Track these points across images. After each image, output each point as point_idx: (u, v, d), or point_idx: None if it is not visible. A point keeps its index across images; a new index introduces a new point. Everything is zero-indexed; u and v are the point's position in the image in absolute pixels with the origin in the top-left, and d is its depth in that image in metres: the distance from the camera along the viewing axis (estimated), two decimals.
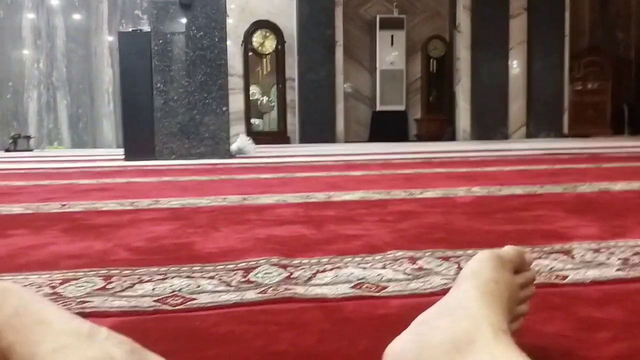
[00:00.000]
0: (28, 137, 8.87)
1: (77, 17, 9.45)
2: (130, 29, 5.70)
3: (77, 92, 9.44)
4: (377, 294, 0.87)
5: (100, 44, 9.49)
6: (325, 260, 1.08)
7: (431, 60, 10.88)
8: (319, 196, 2.13)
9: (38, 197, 2.27)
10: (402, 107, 10.49)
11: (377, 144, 8.54)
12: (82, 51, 9.45)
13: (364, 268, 1.01)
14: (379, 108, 10.42)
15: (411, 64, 10.67)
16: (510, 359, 0.45)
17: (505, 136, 10.25)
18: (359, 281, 0.93)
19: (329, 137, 9.74)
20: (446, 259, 1.07)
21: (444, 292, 0.70)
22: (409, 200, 1.99)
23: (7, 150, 8.49)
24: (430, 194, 2.15)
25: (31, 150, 8.65)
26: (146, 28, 5.39)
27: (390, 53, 10.35)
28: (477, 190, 2.22)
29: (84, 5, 9.43)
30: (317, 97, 9.72)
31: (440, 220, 1.55)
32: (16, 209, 1.92)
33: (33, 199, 2.23)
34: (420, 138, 10.59)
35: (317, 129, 9.71)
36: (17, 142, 8.61)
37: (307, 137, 9.71)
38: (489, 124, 10.15)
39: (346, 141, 9.98)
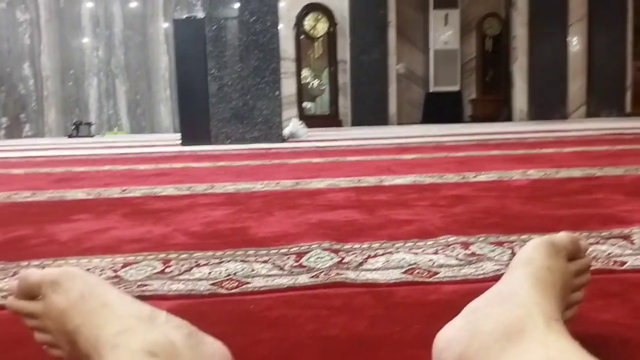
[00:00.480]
0: (89, 124, 9.18)
1: (133, 4, 9.66)
2: (184, 16, 5.79)
3: (134, 78, 9.69)
4: (429, 280, 0.87)
5: (156, 30, 9.69)
6: (376, 245, 1.08)
7: (486, 38, 10.61)
8: (371, 180, 2.13)
9: (99, 183, 2.36)
10: (456, 88, 10.30)
11: (431, 126, 8.43)
12: (139, 38, 9.68)
13: (416, 253, 1.02)
14: (432, 89, 10.27)
15: (466, 43, 10.44)
16: (562, 347, 0.45)
17: (564, 116, 9.93)
18: (410, 266, 0.94)
19: (381, 119, 9.68)
20: (499, 244, 1.06)
21: (496, 278, 0.69)
22: (462, 184, 1.96)
23: (70, 136, 8.82)
24: (484, 177, 2.12)
25: (92, 136, 8.95)
26: (200, 14, 5.46)
27: (444, 32, 10.15)
28: (533, 173, 2.17)
29: None
30: (370, 79, 9.66)
31: (494, 204, 1.53)
32: (79, 194, 2.00)
33: (95, 184, 2.32)
34: (475, 119, 10.38)
35: (369, 111, 9.66)
36: (79, 129, 8.92)
37: (359, 119, 9.68)
38: (547, 103, 9.86)
39: (399, 123, 9.90)
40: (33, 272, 0.57)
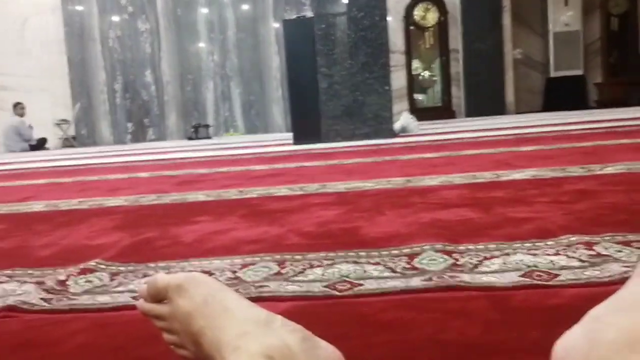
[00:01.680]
0: (207, 126, 9.63)
1: (245, 7, 10.01)
2: (294, 16, 5.92)
3: (248, 80, 10.04)
4: (549, 283, 0.83)
5: (267, 32, 9.98)
6: (492, 246, 1.05)
7: (612, 18, 9.90)
8: (487, 176, 2.06)
9: (218, 185, 2.47)
10: (579, 72, 9.71)
11: (552, 114, 8.01)
12: (251, 40, 10.01)
13: (535, 254, 0.97)
14: (553, 74, 9.75)
15: (589, 24, 9.80)
16: None
17: None
18: (529, 269, 0.90)
19: (497, 108, 9.34)
20: (627, 244, 0.99)
21: (623, 281, 0.65)
22: (587, 178, 1.85)
23: (190, 139, 9.31)
24: (611, 169, 1.99)
25: (210, 137, 9.39)
26: (309, 13, 5.56)
27: (565, 13, 9.60)
28: None
29: None
30: (484, 68, 9.35)
31: (622, 199, 1.43)
32: (200, 196, 2.11)
33: (214, 186, 2.43)
34: (601, 104, 9.73)
35: (485, 101, 9.35)
36: (198, 131, 9.39)
37: (473, 110, 9.40)
38: None
39: (517, 112, 9.50)
40: (161, 276, 0.62)
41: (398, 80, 9.23)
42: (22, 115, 9.23)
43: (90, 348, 0.73)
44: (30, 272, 1.12)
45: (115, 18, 10.06)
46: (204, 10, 10.06)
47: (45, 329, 0.80)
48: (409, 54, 9.70)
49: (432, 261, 0.98)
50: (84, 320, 0.82)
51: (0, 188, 3.07)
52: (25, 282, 1.04)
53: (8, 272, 1.12)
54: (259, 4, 9.93)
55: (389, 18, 5.51)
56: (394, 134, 5.39)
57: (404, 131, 5.85)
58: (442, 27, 9.62)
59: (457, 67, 9.64)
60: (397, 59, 9.37)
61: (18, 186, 3.12)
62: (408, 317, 0.74)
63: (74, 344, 0.74)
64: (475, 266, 0.94)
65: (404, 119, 6.04)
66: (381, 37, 5.24)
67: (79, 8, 10.03)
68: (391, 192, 1.85)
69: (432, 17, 9.64)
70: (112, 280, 1.02)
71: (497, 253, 1.00)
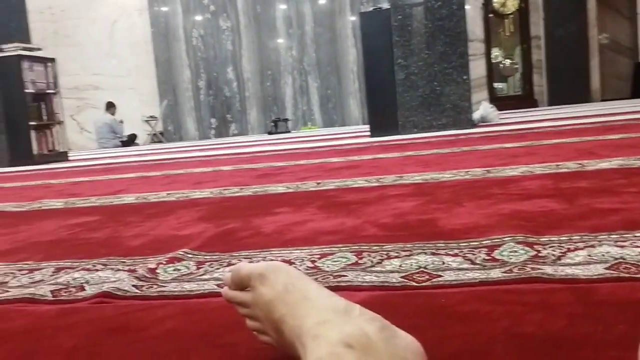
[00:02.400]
0: (286, 120, 9.78)
1: (322, 1, 10.05)
2: (370, 8, 5.90)
3: (325, 74, 10.10)
4: (637, 276, 0.80)
5: (344, 25, 9.99)
6: (576, 237, 1.02)
7: None
8: (570, 165, 1.99)
9: (297, 177, 2.52)
10: None
11: None
12: (328, 34, 10.06)
13: (622, 246, 0.94)
14: None
15: None
16: None
17: None
18: (615, 261, 0.87)
19: (582, 96, 8.94)
20: None
21: None
22: None
23: (270, 133, 9.48)
24: None
25: (289, 131, 9.52)
26: (385, 5, 5.53)
27: None
28: None
29: None
30: (567, 54, 8.96)
31: None
32: (280, 188, 2.16)
33: (293, 178, 2.47)
34: None
35: (568, 88, 8.97)
36: (277, 125, 9.55)
37: (556, 98, 9.04)
38: None
39: (602, 99, 9.06)
40: (243, 265, 0.64)
41: (477, 69, 9.01)
42: (113, 113, 9.73)
43: (178, 333, 0.76)
44: (123, 260, 1.19)
45: (198, 17, 10.37)
46: (282, 7, 10.19)
47: (137, 314, 0.85)
48: (488, 42, 9.44)
49: (513, 253, 0.96)
50: (172, 307, 0.87)
51: (94, 182, 3.26)
52: (118, 270, 1.11)
53: (103, 260, 1.20)
54: None
55: (467, 6, 5.39)
56: (473, 124, 5.27)
57: (483, 121, 5.71)
58: (522, 13, 9.30)
59: (538, 54, 9.29)
60: (476, 47, 9.15)
61: (110, 180, 3.30)
62: (486, 309, 0.74)
63: (163, 329, 0.78)
64: (558, 258, 0.91)
65: (483, 108, 5.90)
66: (459, 26, 5.14)
67: (164, 9, 10.41)
68: (470, 183, 1.82)
69: (512, 3, 9.33)
70: (198, 268, 1.07)
71: (581, 245, 0.97)
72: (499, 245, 1.01)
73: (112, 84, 10.74)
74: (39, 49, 6.32)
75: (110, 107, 9.77)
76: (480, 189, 1.68)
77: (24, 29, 6.45)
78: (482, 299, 0.77)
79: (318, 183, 2.18)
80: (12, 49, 5.85)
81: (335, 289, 0.83)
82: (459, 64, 5.17)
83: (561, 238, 1.02)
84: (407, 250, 1.04)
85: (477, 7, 9.36)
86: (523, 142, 3.15)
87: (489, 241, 1.05)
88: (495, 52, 9.56)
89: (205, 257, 1.15)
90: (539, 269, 0.86)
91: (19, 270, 1.19)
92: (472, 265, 0.92)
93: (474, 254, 0.98)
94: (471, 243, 1.05)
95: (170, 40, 10.45)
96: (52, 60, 6.44)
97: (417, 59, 5.24)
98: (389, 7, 5.35)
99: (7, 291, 1.03)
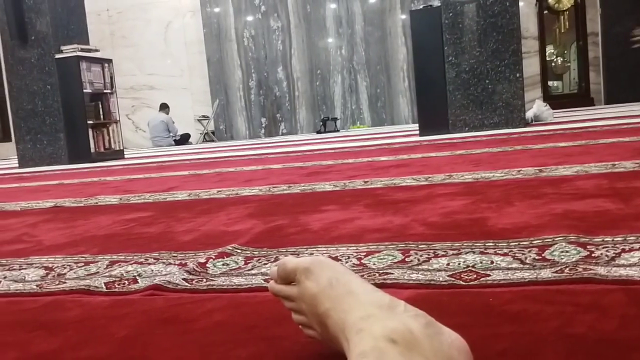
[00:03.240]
0: (335, 119, 9.79)
1: (372, 0, 10.02)
2: (421, 6, 5.85)
3: (375, 72, 10.06)
4: None
5: (394, 24, 9.93)
6: (632, 238, 0.98)
7: None
8: (627, 165, 1.93)
9: (344, 175, 2.52)
10: None
11: None
12: (378, 33, 10.01)
13: None
14: None
15: None
16: None
17: None
18: None
19: None
20: None
21: None
22: None
23: (318, 132, 9.51)
24: None
25: (338, 130, 9.53)
26: (436, 3, 5.47)
27: None
28: None
29: None
30: (626, 51, 8.66)
31: None
32: (327, 186, 2.17)
33: (340, 176, 2.48)
34: None
35: (626, 86, 8.67)
36: (326, 124, 9.57)
37: (614, 97, 8.74)
38: None
39: None
40: (289, 260, 0.65)
41: (530, 67, 8.81)
42: (167, 113, 9.98)
43: (226, 326, 0.78)
44: (174, 254, 1.22)
45: (249, 18, 10.50)
46: (332, 6, 10.21)
47: (186, 306, 0.87)
48: (543, 40, 9.20)
49: (565, 253, 0.94)
50: (220, 300, 0.88)
51: (149, 179, 3.35)
52: (169, 263, 1.14)
53: (155, 254, 1.23)
54: None
55: (520, 3, 5.28)
56: (526, 123, 5.16)
57: (536, 120, 5.59)
58: (578, 9, 9.03)
59: (595, 51, 9.00)
60: (529, 44, 8.94)
61: (164, 177, 3.38)
62: (536, 309, 0.72)
63: (212, 322, 0.80)
64: (612, 259, 0.89)
65: (536, 107, 5.77)
66: (512, 22, 5.04)
67: (217, 10, 10.58)
68: (521, 183, 1.79)
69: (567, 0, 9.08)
70: (246, 263, 1.08)
71: (637, 246, 0.94)
72: (550, 245, 0.99)
73: (166, 84, 11.00)
74: (96, 50, 6.53)
75: (164, 107, 10.02)
76: (532, 189, 1.64)
77: (83, 31, 6.67)
78: (532, 298, 0.76)
79: (366, 181, 2.17)
80: (71, 51, 6.07)
81: (380, 286, 0.83)
82: (512, 62, 5.07)
83: (616, 239, 0.99)
84: (455, 249, 1.03)
85: (531, 4, 9.14)
86: (578, 141, 3.06)
87: (539, 241, 1.03)
88: (550, 50, 9.32)
89: (254, 252, 1.16)
90: (592, 269, 0.84)
91: (76, 262, 1.23)
92: (522, 265, 0.90)
93: (523, 254, 0.96)
94: (521, 243, 1.03)
95: (222, 41, 10.62)
96: (109, 61, 6.64)
97: (469, 57, 5.16)
98: (439, 4, 5.30)
99: (64, 282, 1.07)
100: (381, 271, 0.94)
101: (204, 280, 1.00)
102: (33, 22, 6.11)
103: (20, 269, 1.21)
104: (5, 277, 1.15)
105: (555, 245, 0.98)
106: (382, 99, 10.07)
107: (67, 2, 6.39)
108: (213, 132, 10.63)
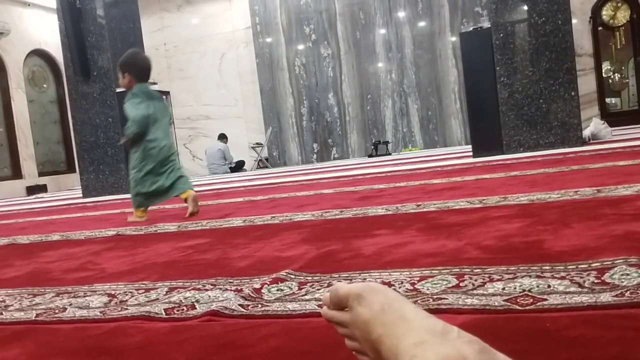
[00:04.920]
0: (386, 143, 9.77)
1: (422, 24, 10.03)
2: (470, 28, 5.82)
3: (425, 95, 10.02)
4: None
5: (444, 46, 9.89)
6: None
7: None
8: None
9: (397, 199, 2.51)
10: None
11: None
12: (428, 56, 9.99)
13: None
14: None
15: None
16: None
17: None
18: None
19: None
20: None
21: None
22: None
23: (370, 156, 9.51)
24: None
25: (389, 154, 9.51)
26: (486, 24, 5.43)
27: None
28: None
29: (427, 13, 9.96)
30: None
31: None
32: (379, 210, 2.17)
33: (392, 200, 2.47)
34: None
35: None
36: (378, 148, 9.56)
37: None
38: None
39: None
40: (342, 286, 0.66)
41: (586, 84, 8.59)
42: (225, 143, 10.24)
43: (281, 351, 0.79)
44: (230, 280, 1.24)
45: (300, 46, 10.68)
46: (382, 31, 10.27)
47: (243, 332, 0.89)
48: (598, 56, 8.97)
49: (625, 276, 0.91)
50: (275, 326, 0.90)
51: (205, 206, 3.42)
52: (226, 289, 1.16)
53: (212, 280, 1.26)
54: (435, 20, 9.90)
55: (573, 20, 5.18)
56: (583, 142, 5.02)
57: (594, 138, 5.43)
58: (634, 25, 8.77)
59: None
60: (584, 62, 8.73)
61: (220, 204, 3.45)
62: (595, 334, 0.71)
63: (267, 347, 0.81)
64: None
65: (593, 125, 5.61)
66: (565, 40, 4.95)
67: (268, 40, 10.82)
68: (579, 203, 1.74)
69: (622, 15, 8.83)
70: (300, 289, 1.10)
71: None
72: (610, 268, 0.96)
73: (221, 113, 11.26)
74: (154, 83, 6.76)
75: (222, 137, 10.29)
76: (590, 210, 1.60)
77: None
78: (591, 323, 0.74)
79: (418, 205, 2.16)
80: None
81: (434, 311, 0.83)
82: (566, 80, 4.96)
83: None
84: (511, 273, 1.02)
85: (585, 21, 8.95)
86: (638, 159, 2.96)
87: (598, 264, 1.00)
88: (606, 66, 9.07)
89: (307, 277, 1.18)
90: None
91: (137, 289, 1.27)
92: (580, 289, 0.88)
93: (582, 277, 0.94)
94: (579, 266, 1.01)
95: (274, 70, 10.82)
96: (167, 93, 6.87)
97: (521, 77, 5.09)
98: (489, 26, 5.26)
99: (126, 309, 1.11)
100: (435, 296, 0.94)
101: (259, 305, 1.02)
102: (95, 59, 6.39)
103: (84, 296, 1.27)
104: (71, 304, 1.20)
105: (616, 268, 0.96)
106: (434, 121, 10.00)
107: (126, 39, 6.66)
108: (267, 159, 10.79)
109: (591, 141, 5.31)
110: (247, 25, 10.92)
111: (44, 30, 10.27)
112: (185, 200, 2.82)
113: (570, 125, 4.96)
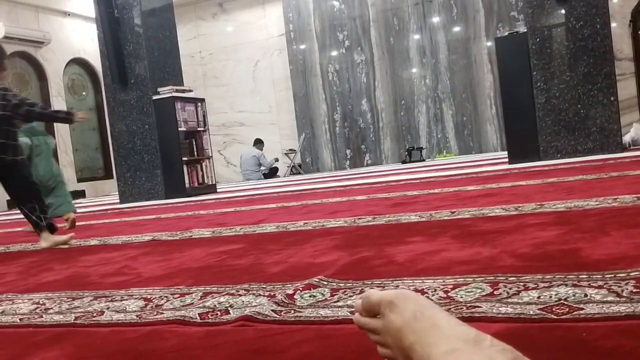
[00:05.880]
0: (420, 149, 9.71)
1: (456, 29, 9.96)
2: (506, 33, 5.75)
3: (460, 101, 9.93)
4: None
5: (479, 51, 9.80)
6: None
7: None
8: None
9: (430, 206, 2.50)
10: None
11: None
12: (463, 61, 9.90)
13: None
14: None
15: None
16: None
17: None
18: None
19: None
20: None
21: None
22: None
23: (404, 162, 9.46)
24: None
25: (423, 160, 9.44)
26: (522, 29, 5.37)
27: None
28: None
29: (462, 18, 9.89)
30: None
31: None
32: (413, 217, 2.15)
33: (426, 207, 2.46)
34: None
35: None
36: (411, 154, 9.51)
37: None
38: None
39: None
40: (374, 292, 0.66)
41: (626, 89, 8.39)
42: (260, 149, 10.33)
43: (314, 357, 0.80)
44: (263, 286, 1.25)
45: (334, 53, 10.70)
46: (416, 37, 10.22)
47: (275, 338, 0.90)
48: (638, 61, 8.76)
49: None
50: (308, 332, 0.90)
51: (239, 212, 3.46)
52: (259, 295, 1.17)
53: (245, 286, 1.28)
54: (470, 25, 9.81)
55: (612, 24, 5.08)
56: (623, 148, 4.91)
57: (635, 144, 5.30)
58: None
59: None
60: (624, 67, 8.54)
61: (254, 210, 3.48)
62: (633, 344, 0.69)
63: (299, 353, 0.82)
64: None
65: (634, 130, 5.48)
66: (604, 45, 4.85)
67: (302, 47, 10.88)
68: (618, 211, 1.70)
69: None
70: (332, 295, 1.10)
71: None
72: None
73: (255, 120, 11.36)
74: (190, 91, 6.87)
75: (258, 142, 10.38)
76: (630, 217, 1.57)
77: (177, 72, 7.06)
78: (629, 333, 0.73)
79: (452, 212, 2.14)
80: (167, 92, 6.42)
81: (468, 320, 0.82)
82: (605, 85, 4.86)
83: None
84: (547, 282, 1.00)
85: (625, 25, 8.75)
86: None
87: (637, 272, 0.98)
88: None
89: (339, 284, 1.18)
90: None
91: (172, 294, 1.29)
92: (618, 298, 0.87)
93: (620, 286, 0.92)
94: (617, 274, 0.99)
95: (308, 76, 10.86)
96: (202, 100, 6.97)
97: (559, 82, 5.00)
98: (525, 30, 5.19)
99: (162, 313, 1.13)
100: (469, 304, 0.93)
101: (292, 311, 1.02)
102: (132, 67, 6.53)
103: (121, 300, 1.29)
104: (108, 308, 1.23)
105: None
106: (469, 126, 9.90)
107: (162, 47, 6.79)
108: (300, 165, 10.82)
109: (631, 147, 5.19)
110: (281, 32, 11.01)
111: (83, 39, 10.53)
112: None
113: (609, 131, 4.86)
